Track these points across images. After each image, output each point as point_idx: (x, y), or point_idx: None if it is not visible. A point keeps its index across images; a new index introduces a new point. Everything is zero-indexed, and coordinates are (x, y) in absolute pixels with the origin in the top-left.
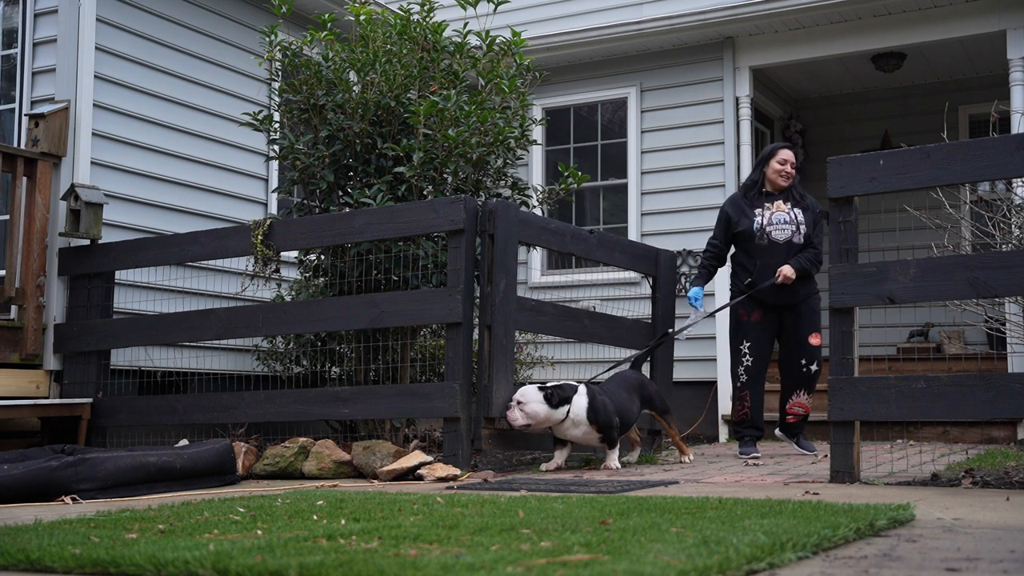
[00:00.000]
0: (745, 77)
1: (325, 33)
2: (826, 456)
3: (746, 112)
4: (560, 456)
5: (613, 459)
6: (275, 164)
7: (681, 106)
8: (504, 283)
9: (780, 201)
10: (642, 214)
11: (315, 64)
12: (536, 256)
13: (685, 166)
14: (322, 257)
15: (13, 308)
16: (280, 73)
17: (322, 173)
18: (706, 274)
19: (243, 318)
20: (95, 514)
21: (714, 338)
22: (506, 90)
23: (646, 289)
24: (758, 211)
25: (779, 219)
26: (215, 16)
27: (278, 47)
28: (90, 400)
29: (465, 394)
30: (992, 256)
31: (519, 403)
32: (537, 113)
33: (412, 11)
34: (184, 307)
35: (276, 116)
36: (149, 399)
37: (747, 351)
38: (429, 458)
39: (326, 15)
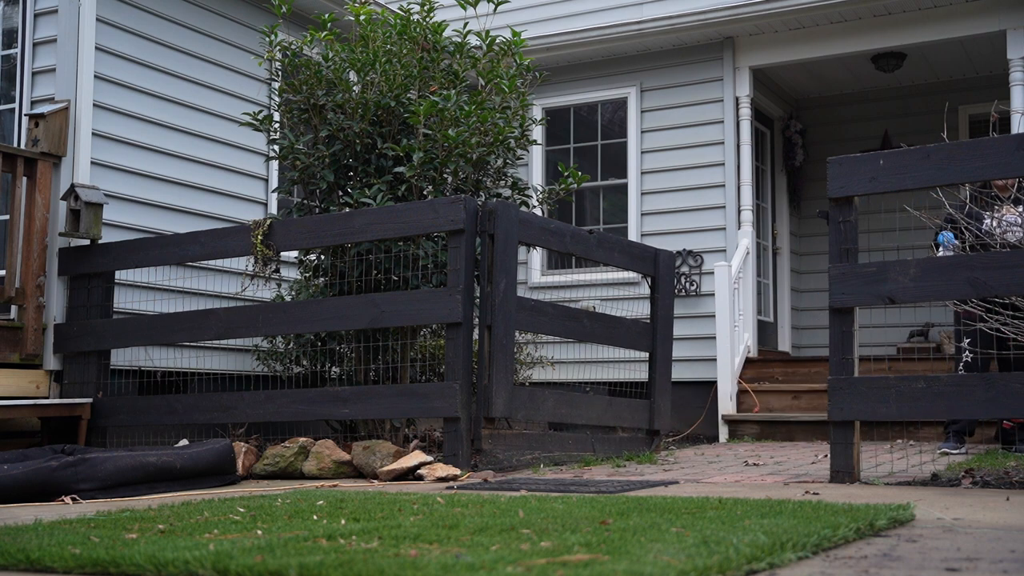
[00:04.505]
0: (745, 77)
1: (325, 33)
2: (826, 456)
3: (746, 112)
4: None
5: None
6: (275, 164)
7: (681, 106)
8: (504, 283)
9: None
10: (642, 214)
11: (315, 64)
12: (536, 256)
13: (685, 166)
14: (322, 257)
15: (13, 308)
16: (280, 73)
17: (322, 173)
18: None
19: (243, 318)
20: (95, 514)
21: (714, 338)
22: (506, 90)
23: (645, 289)
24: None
25: (1011, 219)
26: (215, 16)
27: (278, 47)
28: (90, 400)
29: (465, 394)
30: (992, 256)
31: None
32: (537, 113)
33: (412, 11)
34: (184, 307)
35: (276, 116)
36: (149, 399)
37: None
38: (429, 458)
39: (326, 15)
